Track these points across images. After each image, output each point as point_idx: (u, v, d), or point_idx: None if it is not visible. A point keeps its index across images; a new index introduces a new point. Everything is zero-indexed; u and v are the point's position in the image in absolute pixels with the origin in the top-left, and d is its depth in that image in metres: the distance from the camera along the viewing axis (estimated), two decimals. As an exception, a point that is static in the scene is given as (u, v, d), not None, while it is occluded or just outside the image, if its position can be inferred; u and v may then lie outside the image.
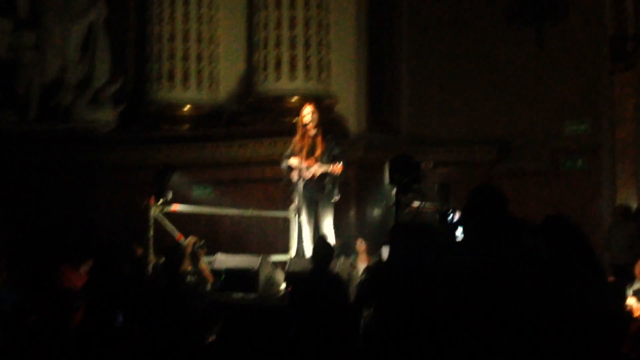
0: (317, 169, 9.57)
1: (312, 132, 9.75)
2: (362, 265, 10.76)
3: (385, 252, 8.63)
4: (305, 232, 9.81)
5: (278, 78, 14.14)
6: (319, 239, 8.74)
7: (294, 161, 9.66)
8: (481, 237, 4.77)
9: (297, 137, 9.81)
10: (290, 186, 9.93)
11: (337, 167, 9.49)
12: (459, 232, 5.16)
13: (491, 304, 4.67)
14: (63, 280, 10.22)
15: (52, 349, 7.25)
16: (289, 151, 9.86)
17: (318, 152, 9.66)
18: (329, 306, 7.34)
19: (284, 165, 9.84)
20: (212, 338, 7.55)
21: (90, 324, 7.39)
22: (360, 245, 12.07)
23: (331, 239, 9.72)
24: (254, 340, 7.06)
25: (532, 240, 4.98)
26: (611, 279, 10.60)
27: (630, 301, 9.40)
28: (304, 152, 9.69)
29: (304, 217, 9.81)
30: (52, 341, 7.39)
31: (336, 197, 9.84)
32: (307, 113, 9.76)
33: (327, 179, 9.63)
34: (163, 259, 8.76)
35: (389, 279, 5.61)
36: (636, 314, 8.85)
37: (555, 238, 5.01)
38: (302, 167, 9.63)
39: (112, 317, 7.49)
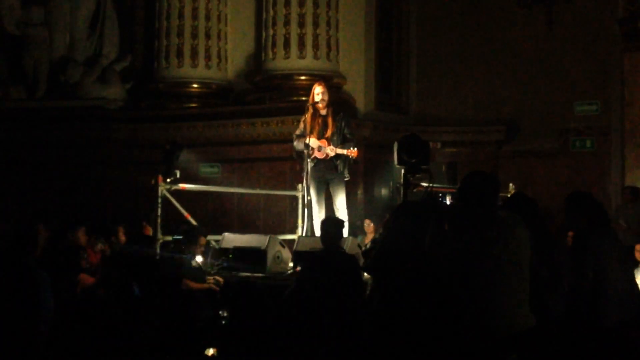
0: (331, 149, 9.54)
1: (323, 111, 9.71)
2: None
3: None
4: (315, 212, 9.79)
5: (286, 56, 14.09)
6: (328, 218, 8.74)
7: (313, 141, 9.58)
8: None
9: (307, 117, 9.75)
10: (301, 163, 9.88)
11: (354, 151, 9.48)
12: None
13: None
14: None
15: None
16: (299, 130, 9.81)
17: (329, 132, 9.64)
18: (339, 283, 7.36)
19: (299, 145, 9.76)
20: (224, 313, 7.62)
21: (112, 295, 7.75)
22: (368, 226, 12.06)
23: (344, 218, 9.72)
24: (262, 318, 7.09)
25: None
26: None
27: None
28: (315, 132, 9.66)
29: (313, 196, 9.78)
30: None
31: (346, 177, 9.84)
32: (318, 92, 9.71)
33: (339, 160, 9.61)
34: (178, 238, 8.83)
35: (391, 255, 5.61)
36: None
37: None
38: (314, 147, 9.60)
39: (131, 288, 7.75)
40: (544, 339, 5.07)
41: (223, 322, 7.63)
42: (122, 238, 11.90)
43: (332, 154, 9.55)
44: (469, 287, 4.66)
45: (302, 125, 9.79)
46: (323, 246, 7.81)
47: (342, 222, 8.31)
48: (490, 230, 4.67)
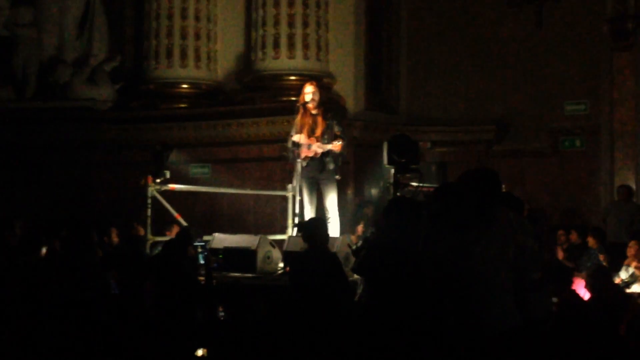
0: (318, 147, 9.54)
1: (314, 111, 9.71)
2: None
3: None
4: (306, 211, 9.78)
5: (276, 57, 14.09)
6: (313, 219, 8.73)
7: (301, 138, 9.57)
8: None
9: (298, 117, 9.75)
10: (292, 163, 9.89)
11: (337, 145, 9.46)
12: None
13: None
14: None
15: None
16: (293, 131, 9.80)
17: (319, 131, 9.63)
18: (325, 283, 7.35)
19: (289, 144, 9.77)
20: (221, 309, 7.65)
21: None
22: (360, 228, 12.04)
23: (335, 218, 9.72)
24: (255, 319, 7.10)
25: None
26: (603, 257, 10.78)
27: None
28: (305, 131, 9.66)
29: (305, 196, 9.78)
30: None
31: (337, 177, 9.83)
32: (309, 92, 9.71)
33: (328, 158, 9.60)
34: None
35: (381, 255, 5.62)
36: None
37: None
38: (303, 145, 9.60)
39: (108, 285, 7.78)
40: (530, 338, 5.07)
41: (222, 318, 7.66)
42: (115, 239, 11.90)
43: (319, 151, 9.54)
44: (453, 286, 4.66)
45: (294, 125, 9.78)
46: (308, 246, 7.78)
47: (324, 221, 8.35)
48: (471, 229, 4.67)
